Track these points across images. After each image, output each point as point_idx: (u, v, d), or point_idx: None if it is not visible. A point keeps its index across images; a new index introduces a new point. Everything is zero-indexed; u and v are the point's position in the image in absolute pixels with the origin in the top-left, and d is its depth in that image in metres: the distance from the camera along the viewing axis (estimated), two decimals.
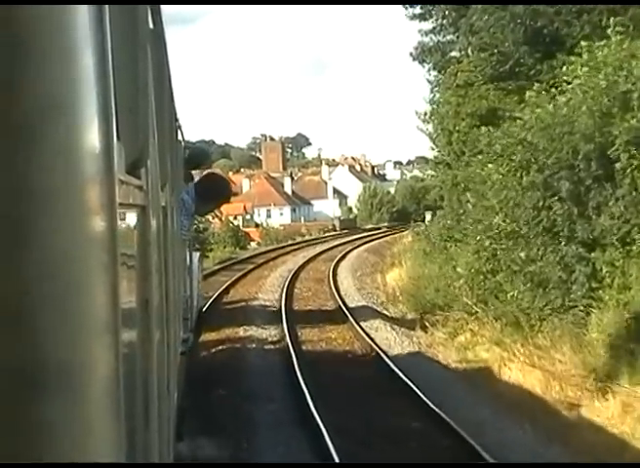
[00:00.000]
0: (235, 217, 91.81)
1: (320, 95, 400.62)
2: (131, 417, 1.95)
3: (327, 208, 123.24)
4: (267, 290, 31.68)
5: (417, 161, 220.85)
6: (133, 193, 2.25)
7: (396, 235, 76.83)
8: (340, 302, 26.67)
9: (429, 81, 40.76)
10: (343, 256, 49.28)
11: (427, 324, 22.76)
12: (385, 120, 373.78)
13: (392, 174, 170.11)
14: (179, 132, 8.94)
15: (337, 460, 10.46)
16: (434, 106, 38.05)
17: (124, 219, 2.00)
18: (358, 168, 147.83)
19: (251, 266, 41.52)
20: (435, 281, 25.79)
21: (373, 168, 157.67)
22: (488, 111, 33.41)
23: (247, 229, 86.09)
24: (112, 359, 1.14)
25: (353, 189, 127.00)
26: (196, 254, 14.03)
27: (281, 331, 20.86)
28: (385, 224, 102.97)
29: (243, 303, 27.69)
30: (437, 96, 38.76)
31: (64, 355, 0.91)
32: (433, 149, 39.38)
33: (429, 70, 40.38)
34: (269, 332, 21.34)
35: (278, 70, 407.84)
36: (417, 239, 60.71)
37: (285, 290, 30.36)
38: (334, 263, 43.33)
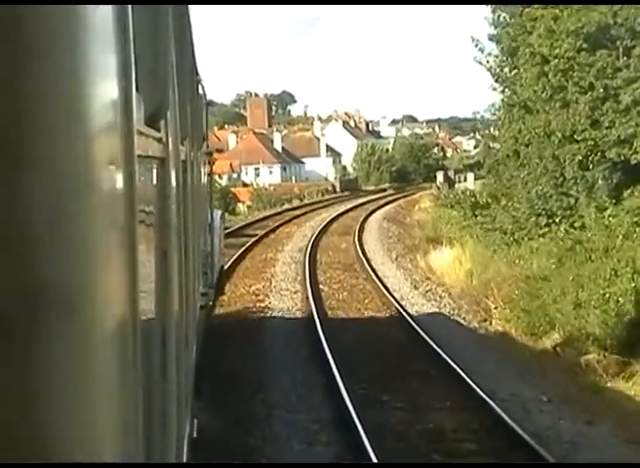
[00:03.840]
0: (220, 176, 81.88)
1: (306, 51, 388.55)
2: (148, 364, 1.96)
3: (319, 166, 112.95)
4: (279, 287, 21.45)
5: (404, 119, 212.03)
6: (152, 145, 2.26)
7: (408, 198, 67.24)
8: (412, 322, 16.48)
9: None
10: (361, 227, 39.10)
11: (589, 373, 12.69)
12: (376, 76, 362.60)
13: (387, 130, 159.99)
14: (200, 86, 8.73)
15: None
16: (502, 29, 27.65)
17: (142, 170, 1.88)
18: (352, 124, 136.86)
19: (248, 241, 31.15)
20: (572, 289, 15.56)
21: (367, 124, 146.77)
22: (599, 29, 23.12)
23: (235, 189, 76.04)
24: (129, 301, 1.10)
25: (347, 147, 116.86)
26: (218, 212, 13.57)
27: (328, 392, 10.73)
28: (387, 185, 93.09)
29: (250, 314, 17.44)
30: (503, 15, 28.36)
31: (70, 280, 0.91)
32: (495, 89, 29.04)
33: None
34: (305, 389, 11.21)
35: (263, 26, 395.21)
36: (438, 204, 51.37)
37: (308, 286, 20.22)
38: (355, 238, 33.27)
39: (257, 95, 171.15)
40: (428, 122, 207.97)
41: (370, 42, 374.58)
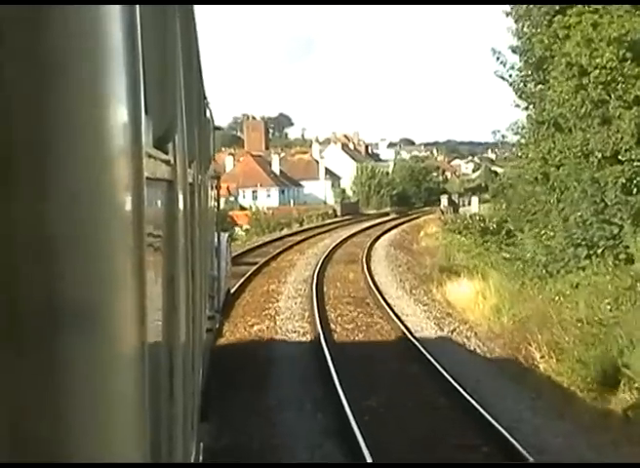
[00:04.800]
0: None
1: (303, 74, 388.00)
2: (155, 387, 1.94)
3: (318, 189, 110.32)
4: (286, 328, 18.91)
5: (402, 142, 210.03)
6: (160, 168, 2.25)
7: (411, 223, 64.79)
8: (446, 375, 13.88)
9: (507, 13, 27.82)
10: (368, 255, 36.52)
11: None
12: (373, 99, 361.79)
13: (386, 153, 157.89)
14: (207, 110, 8.79)
15: None
16: (527, 40, 25.18)
17: (151, 193, 1.87)
18: (351, 146, 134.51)
19: (248, 271, 28.58)
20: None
21: (366, 147, 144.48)
22: None
23: (232, 213, 73.52)
24: (137, 324, 1.11)
25: (346, 170, 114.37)
26: (224, 235, 13.43)
27: None
28: (389, 209, 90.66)
29: (253, 365, 14.86)
30: (527, 26, 25.87)
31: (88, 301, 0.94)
32: (518, 106, 26.54)
33: None
34: None
35: (260, 49, 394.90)
36: (445, 229, 48.81)
37: (318, 325, 17.66)
38: (363, 267, 30.77)
39: (254, 117, 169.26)
40: (426, 145, 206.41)
41: (366, 64, 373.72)
